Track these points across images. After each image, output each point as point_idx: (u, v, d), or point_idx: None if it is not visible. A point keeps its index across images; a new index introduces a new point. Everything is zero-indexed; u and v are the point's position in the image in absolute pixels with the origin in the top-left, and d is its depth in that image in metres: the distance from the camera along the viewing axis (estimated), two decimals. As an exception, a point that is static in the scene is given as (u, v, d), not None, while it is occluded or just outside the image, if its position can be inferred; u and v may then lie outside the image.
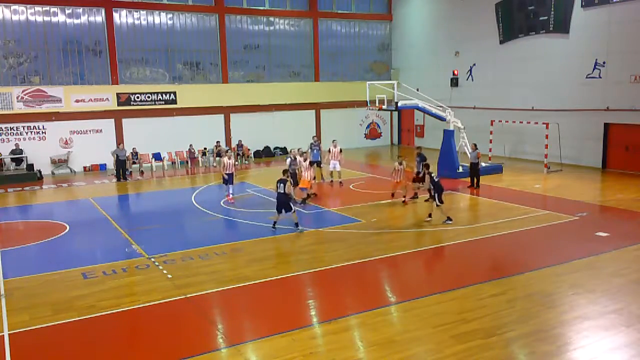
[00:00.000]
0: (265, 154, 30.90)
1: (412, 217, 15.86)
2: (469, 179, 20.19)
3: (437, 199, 14.70)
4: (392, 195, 18.04)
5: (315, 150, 21.58)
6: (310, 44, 32.64)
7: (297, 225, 14.49)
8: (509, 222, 14.78)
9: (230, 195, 18.23)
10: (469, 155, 23.02)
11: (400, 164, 17.68)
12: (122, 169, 23.92)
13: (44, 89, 25.56)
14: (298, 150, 19.54)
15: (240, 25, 30.50)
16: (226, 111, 29.96)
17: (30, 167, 24.81)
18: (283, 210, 14.42)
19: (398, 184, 17.74)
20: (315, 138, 22.68)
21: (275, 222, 14.60)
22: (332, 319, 8.77)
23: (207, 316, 9.19)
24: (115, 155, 23.86)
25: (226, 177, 18.07)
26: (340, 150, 20.94)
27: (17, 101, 24.99)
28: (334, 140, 21.45)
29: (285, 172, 15.16)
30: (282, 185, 14.37)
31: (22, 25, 25.53)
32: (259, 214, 16.49)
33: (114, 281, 10.93)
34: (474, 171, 19.71)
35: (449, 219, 14.70)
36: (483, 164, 22.92)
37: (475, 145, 20.08)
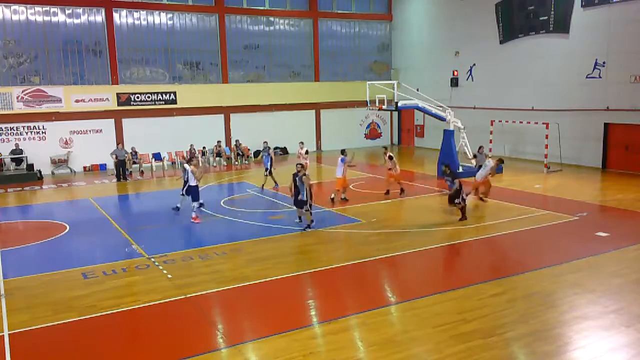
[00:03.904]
0: (265, 154, 30.89)
1: (412, 217, 15.86)
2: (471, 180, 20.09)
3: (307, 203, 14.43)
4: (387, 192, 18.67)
5: (264, 156, 20.92)
6: (310, 44, 32.64)
7: (300, 219, 14.98)
8: (509, 222, 14.78)
9: (194, 214, 15.78)
10: (468, 154, 23.01)
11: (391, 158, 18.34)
12: (121, 168, 23.91)
13: (44, 89, 25.56)
14: (188, 153, 19.63)
15: (240, 25, 30.50)
16: (226, 111, 29.97)
17: (30, 167, 24.81)
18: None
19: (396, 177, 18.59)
20: (265, 143, 21.86)
21: (301, 218, 15.02)
22: (332, 319, 8.77)
23: (207, 316, 9.19)
24: (115, 156, 23.85)
25: (190, 189, 15.80)
26: (306, 152, 20.71)
27: (17, 101, 24.99)
28: (301, 142, 21.10)
29: (299, 165, 15.31)
30: (299, 179, 14.62)
31: (22, 25, 25.53)
32: (259, 214, 16.49)
33: (114, 281, 10.93)
34: None
35: (308, 225, 14.40)
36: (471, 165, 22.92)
37: (482, 147, 19.93)
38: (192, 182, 15.64)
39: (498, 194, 18.49)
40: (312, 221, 14.41)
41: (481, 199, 17.01)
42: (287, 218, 15.64)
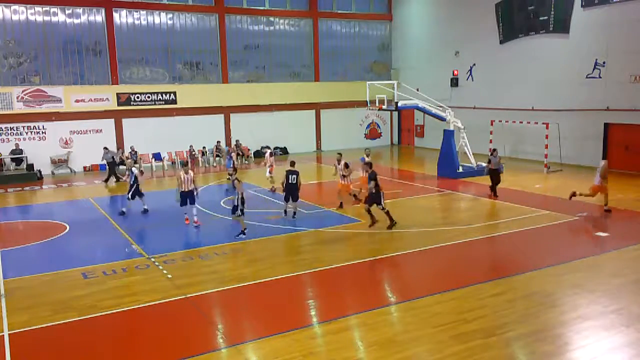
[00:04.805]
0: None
1: (412, 217, 15.85)
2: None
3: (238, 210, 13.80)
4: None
5: (227, 159, 20.41)
6: (310, 44, 32.64)
7: (294, 214, 15.56)
8: (509, 222, 14.78)
9: (195, 218, 15.27)
10: (468, 154, 22.98)
11: (368, 155, 17.12)
12: (113, 169, 23.38)
13: (44, 89, 25.56)
14: (129, 160, 18.93)
15: (240, 25, 30.51)
16: (226, 111, 29.97)
17: (30, 167, 24.81)
18: (291, 199, 15.47)
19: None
20: (218, 143, 21.17)
21: (285, 211, 15.70)
22: (332, 319, 8.77)
23: (207, 316, 9.19)
24: (104, 160, 23.67)
25: (184, 195, 15.14)
26: (271, 155, 20.15)
27: (17, 101, 24.99)
28: (266, 147, 20.84)
29: (293, 163, 15.91)
30: (294, 176, 15.30)
31: (22, 25, 25.53)
32: (259, 214, 16.46)
33: (114, 281, 10.93)
34: (496, 178, 18.09)
35: (242, 232, 13.81)
36: (483, 164, 22.89)
37: (496, 150, 18.76)
38: (183, 188, 15.14)
39: (499, 193, 18.47)
40: (245, 229, 13.79)
41: (606, 210, 15.37)
42: (286, 218, 15.65)
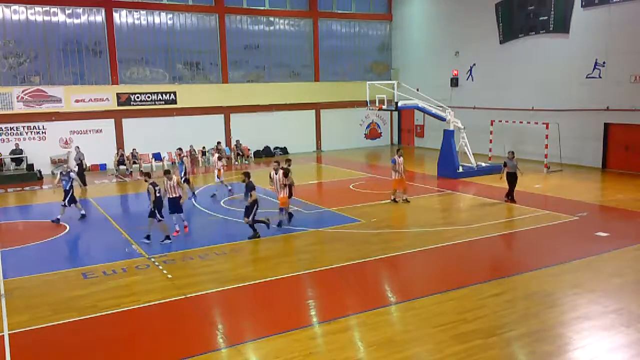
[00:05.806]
0: (265, 154, 30.91)
1: (412, 217, 15.85)
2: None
3: (156, 214, 13.54)
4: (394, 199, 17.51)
5: (178, 164, 19.57)
6: (310, 44, 32.64)
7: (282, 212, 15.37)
8: (509, 222, 14.78)
9: (176, 228, 14.44)
10: (468, 154, 22.96)
11: (401, 156, 17.14)
12: (81, 173, 21.79)
13: (44, 89, 25.56)
14: (67, 167, 17.38)
15: (240, 25, 30.51)
16: (226, 111, 29.97)
17: (30, 167, 24.81)
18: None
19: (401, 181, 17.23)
20: (178, 149, 20.41)
21: (281, 208, 15.47)
22: (332, 319, 8.77)
23: (207, 316, 9.19)
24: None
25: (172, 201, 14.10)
26: (219, 159, 19.52)
27: (17, 101, 24.98)
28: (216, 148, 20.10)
29: (287, 161, 15.97)
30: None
31: (22, 25, 25.52)
32: (259, 214, 16.44)
33: (114, 281, 10.93)
34: (513, 183, 17.18)
35: (167, 237, 13.56)
36: (483, 164, 22.93)
37: (512, 153, 17.59)
38: (170, 194, 14.22)
39: (498, 194, 18.48)
40: (148, 236, 13.45)
41: None
42: (285, 218, 15.64)
